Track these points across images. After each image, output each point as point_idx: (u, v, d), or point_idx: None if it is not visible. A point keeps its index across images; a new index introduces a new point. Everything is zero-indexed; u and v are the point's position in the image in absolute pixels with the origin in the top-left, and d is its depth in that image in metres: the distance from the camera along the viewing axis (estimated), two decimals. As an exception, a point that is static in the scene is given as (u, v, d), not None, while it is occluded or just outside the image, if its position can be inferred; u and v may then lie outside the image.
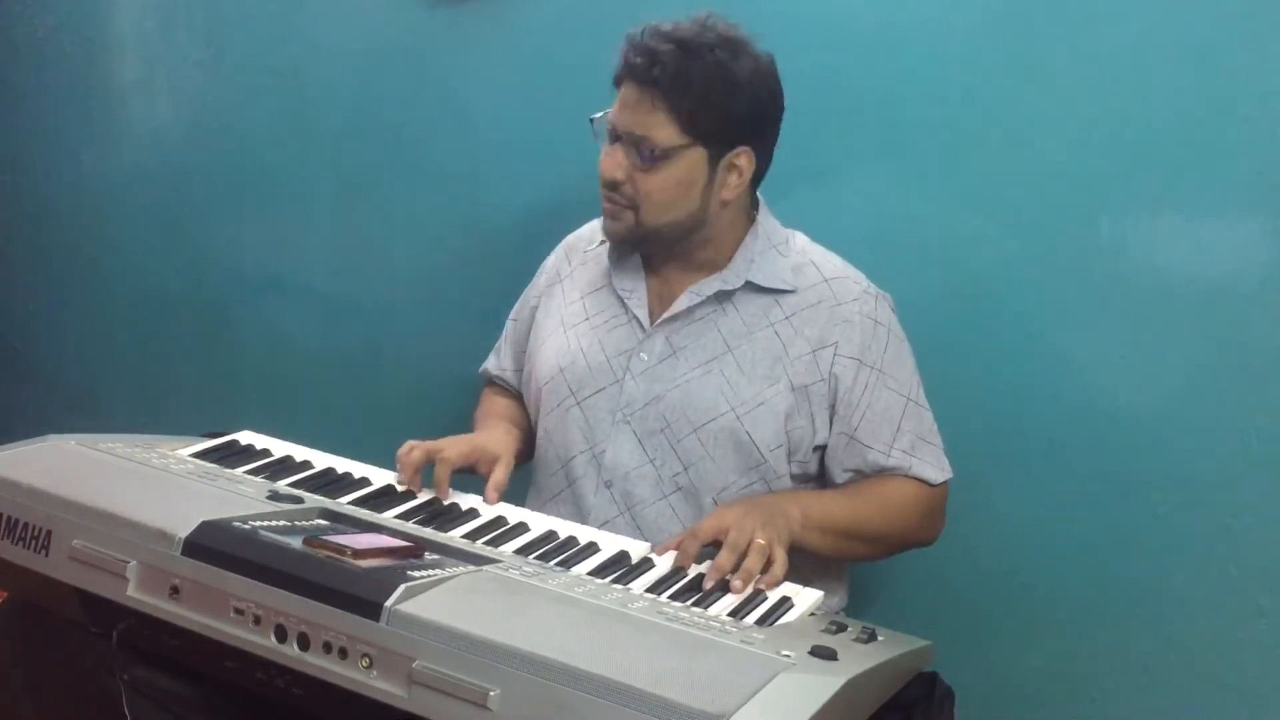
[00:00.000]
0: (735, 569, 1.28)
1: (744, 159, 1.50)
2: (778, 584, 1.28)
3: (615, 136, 1.49)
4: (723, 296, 1.53)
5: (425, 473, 1.46)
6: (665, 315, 1.54)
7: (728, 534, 1.31)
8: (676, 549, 1.33)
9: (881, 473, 1.51)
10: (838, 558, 1.51)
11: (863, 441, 1.50)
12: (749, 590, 1.25)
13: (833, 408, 1.50)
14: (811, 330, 1.50)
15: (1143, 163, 1.66)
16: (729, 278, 1.53)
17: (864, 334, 1.50)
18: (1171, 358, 1.66)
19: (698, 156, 1.47)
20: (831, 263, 1.57)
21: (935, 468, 1.53)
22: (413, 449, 1.45)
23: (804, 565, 1.39)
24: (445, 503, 1.42)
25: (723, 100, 1.45)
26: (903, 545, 1.57)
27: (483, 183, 2.14)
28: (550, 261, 1.74)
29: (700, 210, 1.51)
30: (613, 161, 1.48)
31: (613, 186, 1.49)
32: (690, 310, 1.53)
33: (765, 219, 1.58)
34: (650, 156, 1.46)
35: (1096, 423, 1.71)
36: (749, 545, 1.29)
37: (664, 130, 1.45)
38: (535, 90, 2.06)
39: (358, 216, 2.29)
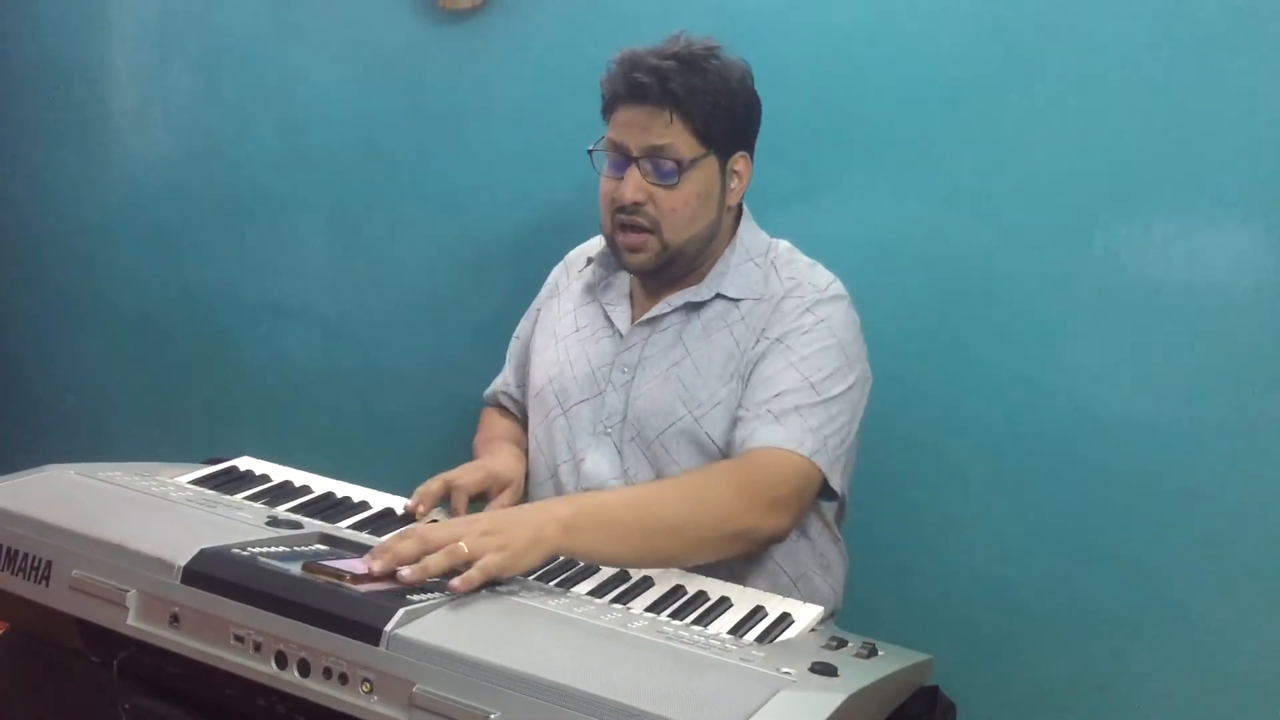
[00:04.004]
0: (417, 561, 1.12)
1: (742, 164, 1.55)
2: (472, 586, 1.11)
3: (627, 160, 1.49)
4: (692, 308, 1.55)
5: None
6: (636, 323, 1.57)
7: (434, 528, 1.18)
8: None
9: (732, 445, 1.44)
10: (640, 560, 1.32)
11: (742, 405, 1.46)
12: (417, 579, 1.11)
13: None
14: (759, 324, 1.51)
15: (1135, 170, 1.67)
16: (701, 290, 1.55)
17: (793, 321, 1.49)
18: (1166, 364, 1.67)
19: (712, 165, 1.51)
20: (798, 267, 1.56)
21: (788, 434, 1.40)
22: (431, 481, 1.45)
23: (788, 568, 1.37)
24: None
25: (728, 106, 1.50)
26: (728, 533, 1.36)
27: (478, 203, 2.15)
28: (552, 275, 1.77)
29: (716, 219, 1.54)
30: (632, 184, 1.48)
31: (634, 210, 1.48)
32: (659, 319, 1.56)
33: (746, 230, 1.59)
34: (672, 172, 1.47)
35: (1093, 430, 1.71)
36: (444, 546, 1.14)
37: (684, 143, 1.48)
38: (529, 111, 2.07)
39: (354, 239, 2.29)
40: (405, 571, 1.10)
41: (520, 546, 1.18)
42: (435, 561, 1.11)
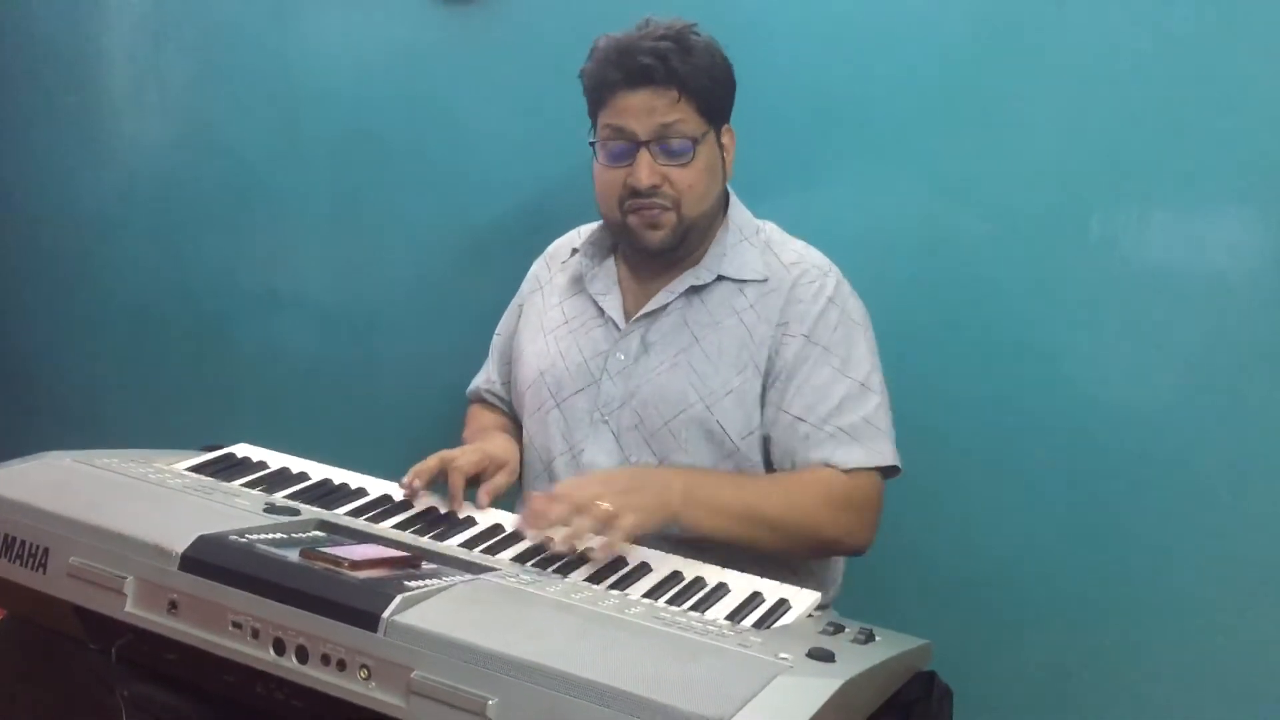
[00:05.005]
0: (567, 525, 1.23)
1: (728, 137, 1.57)
2: (612, 550, 1.22)
3: (634, 146, 1.49)
4: (694, 291, 1.55)
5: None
6: (640, 313, 1.56)
7: (574, 489, 1.26)
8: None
9: (809, 462, 1.47)
10: (737, 543, 1.40)
11: (792, 413, 1.47)
12: (567, 549, 1.20)
13: (773, 385, 1.49)
14: (772, 314, 1.52)
15: (1132, 158, 1.66)
16: (701, 273, 1.55)
17: (813, 312, 1.51)
18: (1163, 353, 1.67)
19: (712, 139, 1.53)
20: (793, 248, 1.58)
21: (866, 452, 1.46)
22: (428, 459, 1.45)
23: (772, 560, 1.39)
24: (444, 511, 1.42)
25: (720, 79, 1.53)
26: (816, 540, 1.45)
27: (476, 192, 2.15)
28: (532, 270, 1.77)
29: (721, 191, 1.56)
30: (646, 168, 1.48)
31: (651, 193, 1.49)
32: (663, 307, 1.56)
33: (736, 211, 1.60)
34: (686, 149, 1.49)
35: (1090, 418, 1.71)
36: (589, 507, 1.23)
37: (691, 120, 1.49)
38: (528, 99, 2.07)
39: (351, 227, 2.29)
40: (559, 542, 1.20)
41: (652, 507, 1.28)
42: (583, 526, 1.21)
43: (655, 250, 1.54)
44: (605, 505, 1.23)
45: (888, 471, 1.50)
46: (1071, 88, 1.69)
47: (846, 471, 1.45)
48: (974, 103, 1.74)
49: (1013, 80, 1.72)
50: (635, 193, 1.49)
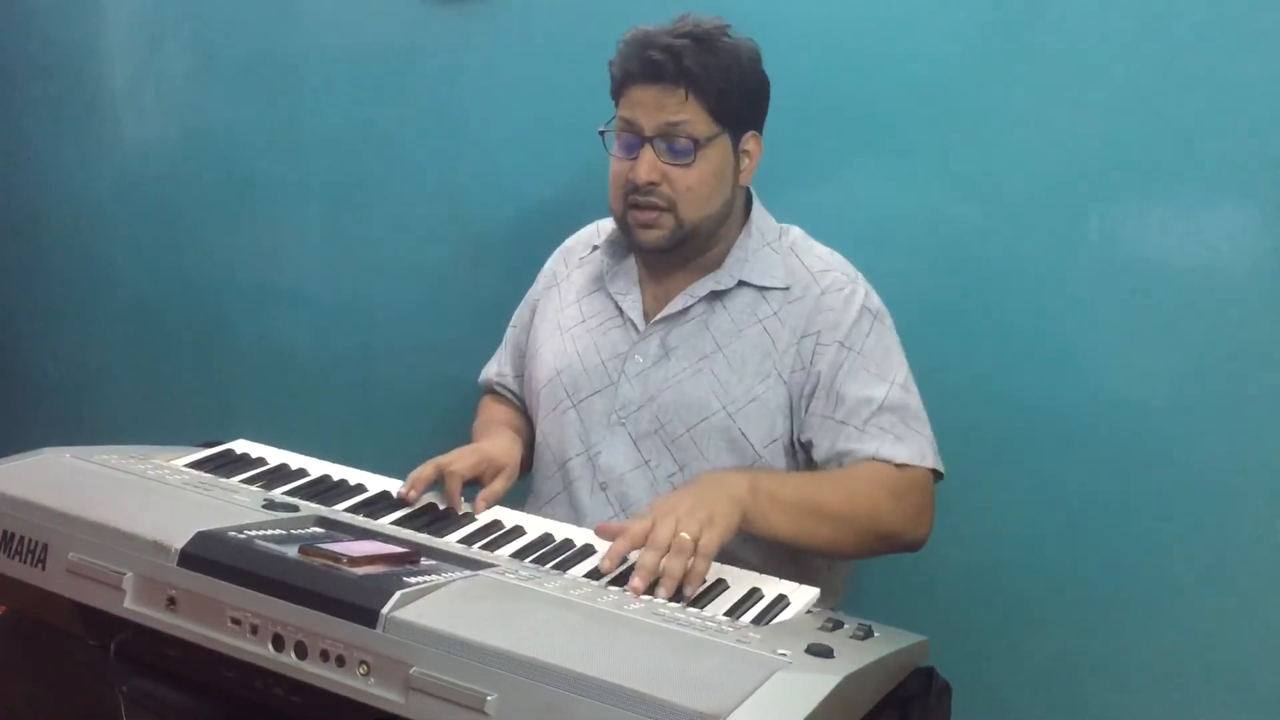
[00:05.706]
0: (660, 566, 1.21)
1: (753, 143, 1.54)
2: (702, 578, 1.22)
3: (640, 141, 1.48)
4: (715, 296, 1.53)
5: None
6: (659, 316, 1.55)
7: (652, 530, 1.23)
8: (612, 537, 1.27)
9: (856, 457, 1.46)
10: (803, 540, 1.39)
11: (837, 419, 1.47)
12: (672, 589, 1.20)
13: (813, 394, 1.48)
14: (797, 322, 1.50)
15: (1132, 153, 1.66)
16: (722, 278, 1.53)
17: (847, 320, 1.49)
18: (1164, 345, 1.67)
19: (725, 144, 1.50)
20: (818, 254, 1.56)
21: (911, 450, 1.45)
22: (424, 466, 1.43)
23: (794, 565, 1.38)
24: (443, 508, 1.42)
25: (741, 83, 1.49)
26: (877, 532, 1.43)
27: (475, 188, 2.14)
28: (548, 266, 1.75)
29: (730, 199, 1.53)
30: (646, 164, 1.46)
31: (649, 190, 1.47)
32: (684, 311, 1.54)
33: (759, 215, 1.58)
34: (688, 150, 1.46)
35: (1090, 412, 1.71)
36: (670, 544, 1.21)
37: (699, 120, 1.46)
38: (527, 95, 2.07)
39: (350, 223, 2.29)
40: (662, 592, 1.18)
41: (726, 511, 1.27)
42: (674, 566, 1.19)
43: (650, 250, 1.53)
44: (685, 535, 1.21)
45: (936, 475, 1.49)
46: (1072, 82, 1.68)
47: (898, 466, 1.45)
48: (975, 98, 1.74)
49: (1014, 75, 1.72)
50: (635, 188, 1.48)
